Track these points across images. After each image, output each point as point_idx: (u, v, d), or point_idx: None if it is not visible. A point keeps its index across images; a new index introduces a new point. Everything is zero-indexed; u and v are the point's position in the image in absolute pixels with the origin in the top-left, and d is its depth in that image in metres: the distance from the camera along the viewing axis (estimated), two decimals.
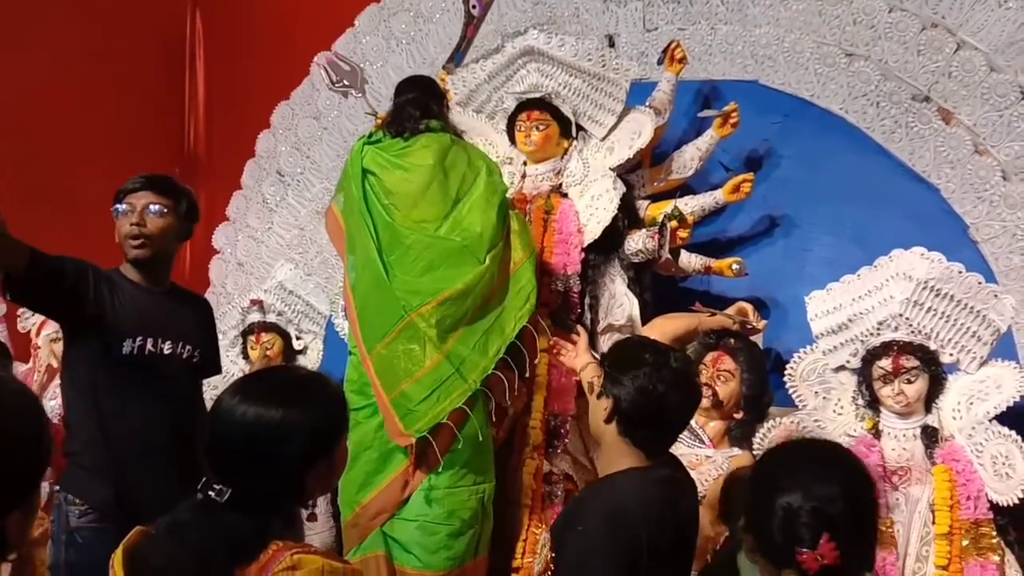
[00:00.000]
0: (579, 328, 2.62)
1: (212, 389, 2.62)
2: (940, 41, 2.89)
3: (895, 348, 2.36)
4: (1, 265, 2.02)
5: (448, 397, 2.30)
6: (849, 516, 1.31)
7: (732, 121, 2.91)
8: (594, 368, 1.97)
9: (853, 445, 2.35)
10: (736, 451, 2.61)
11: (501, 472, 2.51)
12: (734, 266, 2.87)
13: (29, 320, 3.72)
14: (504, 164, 2.89)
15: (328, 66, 3.05)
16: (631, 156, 2.84)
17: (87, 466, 2.21)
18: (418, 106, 2.58)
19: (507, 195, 2.60)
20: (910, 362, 2.35)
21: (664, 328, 2.59)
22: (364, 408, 2.40)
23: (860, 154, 3.01)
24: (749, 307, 2.70)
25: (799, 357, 2.59)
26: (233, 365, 3.46)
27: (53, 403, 3.16)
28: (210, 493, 1.34)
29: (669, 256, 2.69)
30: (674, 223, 2.64)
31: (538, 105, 2.86)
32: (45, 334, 3.55)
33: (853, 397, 2.48)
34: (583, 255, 2.73)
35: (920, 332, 2.37)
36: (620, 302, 2.77)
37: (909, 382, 2.35)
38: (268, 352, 3.46)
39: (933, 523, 2.28)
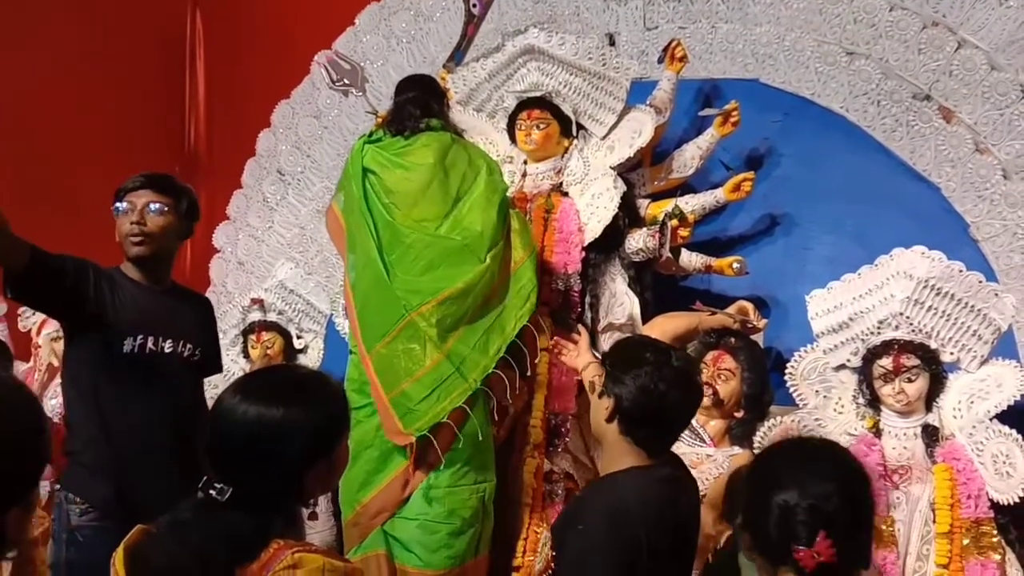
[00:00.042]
0: (580, 327, 2.62)
1: (213, 388, 2.62)
2: (941, 40, 2.89)
3: (896, 347, 2.36)
4: (2, 263, 2.02)
5: (448, 396, 2.29)
6: (845, 513, 1.31)
7: (733, 120, 2.90)
8: (595, 367, 1.97)
9: (854, 444, 2.35)
10: (737, 450, 2.61)
11: (502, 471, 2.51)
12: (735, 265, 2.86)
13: (30, 319, 3.72)
14: (504, 163, 2.88)
15: (328, 65, 3.04)
16: (632, 155, 2.83)
17: (88, 465, 2.21)
18: (419, 105, 2.58)
19: (507, 194, 2.60)
20: (911, 361, 2.35)
21: (665, 327, 2.59)
22: (365, 407, 2.39)
23: (861, 153, 3.00)
24: (750, 306, 2.69)
25: (800, 356, 2.58)
26: (234, 364, 3.45)
27: (54, 402, 3.16)
28: (211, 492, 1.35)
29: (670, 255, 2.68)
30: (675, 222, 2.64)
31: (538, 104, 2.85)
32: (46, 333, 3.55)
33: (854, 396, 2.48)
34: (584, 254, 2.72)
35: (921, 331, 2.37)
36: (621, 301, 2.76)
37: (910, 381, 2.35)
38: (269, 351, 3.46)
39: (934, 522, 2.28)
